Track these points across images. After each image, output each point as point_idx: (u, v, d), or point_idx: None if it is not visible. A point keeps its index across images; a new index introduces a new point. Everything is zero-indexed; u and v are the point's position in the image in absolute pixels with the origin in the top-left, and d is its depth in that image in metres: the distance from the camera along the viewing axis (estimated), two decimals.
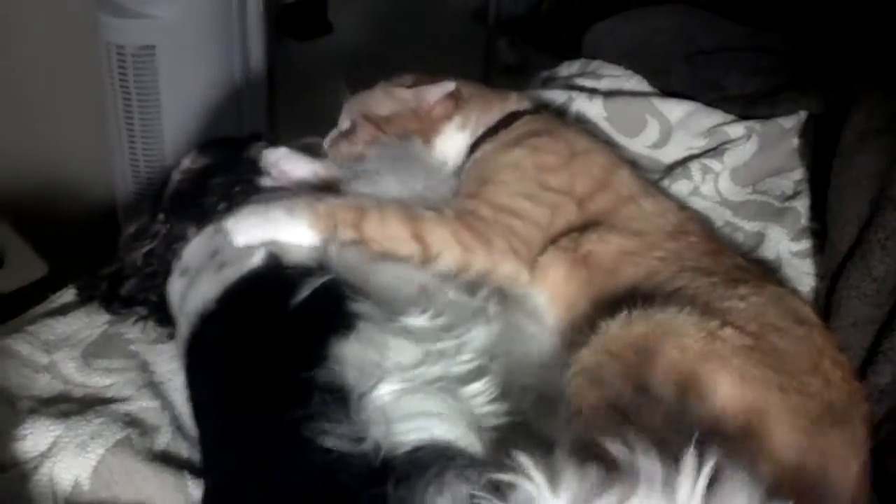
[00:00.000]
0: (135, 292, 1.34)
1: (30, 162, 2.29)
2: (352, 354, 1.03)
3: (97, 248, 1.47)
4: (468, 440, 1.00)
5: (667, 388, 0.99)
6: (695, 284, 1.14)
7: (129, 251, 1.35)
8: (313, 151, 1.44)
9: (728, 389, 1.00)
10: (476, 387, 1.06)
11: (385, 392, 1.01)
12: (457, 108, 1.40)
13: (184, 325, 1.21)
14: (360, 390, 1.00)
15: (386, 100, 1.41)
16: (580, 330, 1.13)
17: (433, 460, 0.95)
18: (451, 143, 1.40)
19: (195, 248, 1.27)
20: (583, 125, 1.62)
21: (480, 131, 1.40)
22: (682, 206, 1.37)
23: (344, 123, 1.44)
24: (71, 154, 2.37)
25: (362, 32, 3.39)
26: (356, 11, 3.57)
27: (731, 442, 0.96)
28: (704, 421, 0.97)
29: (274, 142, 1.44)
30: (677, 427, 0.97)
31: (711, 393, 0.99)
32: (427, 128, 1.39)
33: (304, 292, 1.11)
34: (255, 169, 1.37)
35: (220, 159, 1.40)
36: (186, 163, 1.41)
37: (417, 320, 1.10)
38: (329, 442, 0.95)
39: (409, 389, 1.02)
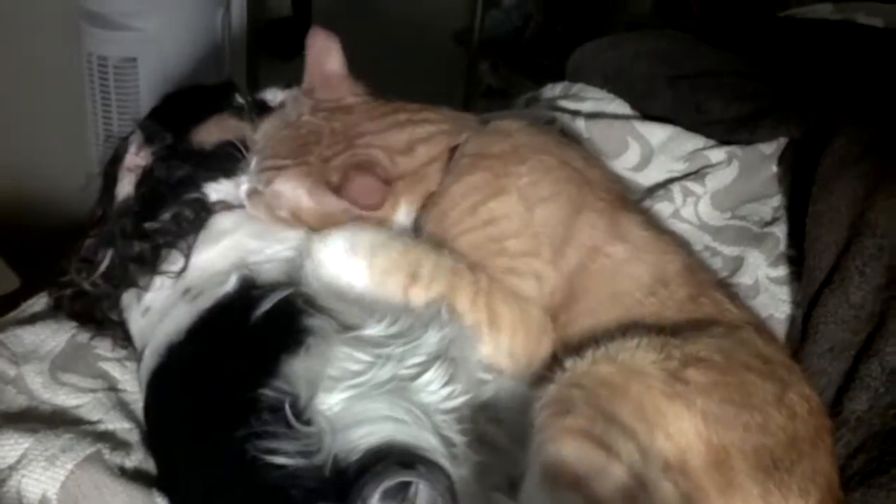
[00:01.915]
0: (89, 311, 1.32)
1: (4, 172, 2.27)
2: (302, 369, 1.03)
3: (60, 265, 1.44)
4: (422, 438, 1.00)
5: (637, 423, 0.99)
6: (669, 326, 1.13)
7: (80, 271, 1.32)
8: None
9: (692, 429, 0.99)
10: (426, 377, 1.05)
11: (334, 401, 1.01)
12: (399, 190, 1.22)
13: (148, 359, 1.19)
14: (304, 403, 1.00)
15: (309, 201, 1.21)
16: (545, 365, 1.13)
17: (384, 462, 0.95)
18: (403, 219, 1.25)
19: (159, 291, 1.24)
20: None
21: (422, 198, 1.24)
22: (655, 228, 1.25)
23: (268, 195, 1.23)
24: (47, 165, 2.36)
25: (345, 52, 3.38)
26: (339, 31, 3.57)
27: (696, 479, 0.97)
28: (672, 457, 0.97)
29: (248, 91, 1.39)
30: (646, 458, 0.97)
31: (677, 432, 0.99)
32: (376, 221, 1.21)
33: (262, 309, 1.11)
34: (208, 164, 1.30)
35: (166, 158, 1.30)
36: (132, 150, 1.32)
37: (374, 330, 1.08)
38: (278, 459, 0.95)
39: (357, 396, 1.01)
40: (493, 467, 1.04)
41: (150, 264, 1.25)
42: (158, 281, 1.24)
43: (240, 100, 1.37)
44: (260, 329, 1.09)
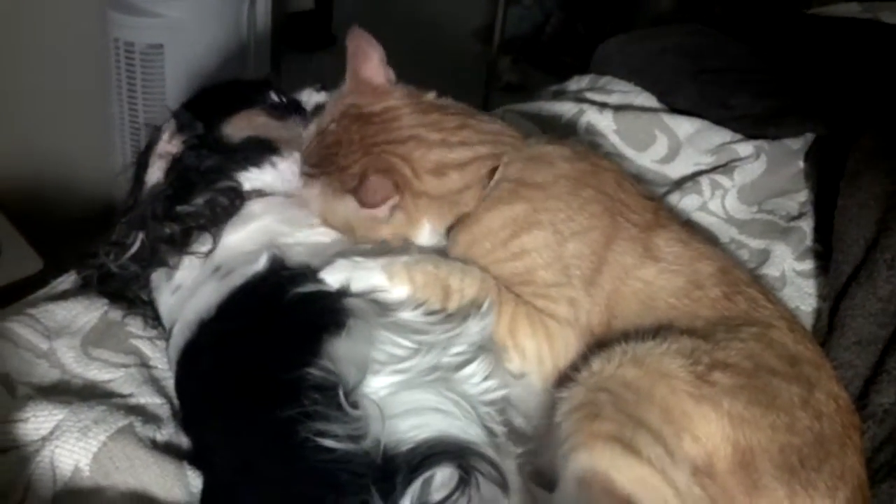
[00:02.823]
0: (120, 290, 1.33)
1: (30, 157, 2.28)
2: (346, 351, 1.03)
3: (89, 245, 1.46)
4: (471, 431, 1.00)
5: (664, 427, 1.00)
6: (699, 328, 1.13)
7: (110, 248, 1.33)
8: None
9: (719, 431, 1.00)
10: (469, 370, 1.06)
11: (380, 386, 1.01)
12: (422, 208, 1.20)
13: (179, 334, 1.20)
14: (353, 386, 1.00)
15: (330, 209, 1.23)
16: (571, 365, 1.13)
17: (437, 456, 0.95)
18: (429, 241, 1.23)
19: (189, 270, 1.25)
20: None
21: (452, 220, 1.22)
22: (688, 237, 1.22)
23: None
24: (72, 150, 2.37)
25: None
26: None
27: (722, 481, 0.98)
28: (699, 460, 0.99)
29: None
30: (675, 461, 0.98)
31: (704, 435, 1.00)
32: (390, 236, 1.22)
33: (299, 290, 1.11)
34: (236, 156, 1.31)
35: (196, 146, 1.31)
36: (165, 138, 1.34)
37: (410, 314, 1.10)
38: (328, 441, 0.95)
39: (404, 383, 1.02)
40: (526, 460, 1.06)
41: (179, 245, 1.26)
42: (188, 261, 1.25)
43: (274, 98, 1.39)
44: (297, 308, 1.09)
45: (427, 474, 0.93)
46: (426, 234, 1.21)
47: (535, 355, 1.14)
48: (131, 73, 2.19)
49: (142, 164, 1.38)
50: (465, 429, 1.00)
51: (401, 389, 1.01)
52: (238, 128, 1.34)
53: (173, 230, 1.27)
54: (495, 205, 1.18)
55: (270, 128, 1.35)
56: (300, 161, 1.26)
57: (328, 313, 1.07)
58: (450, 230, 1.22)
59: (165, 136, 1.35)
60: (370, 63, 1.24)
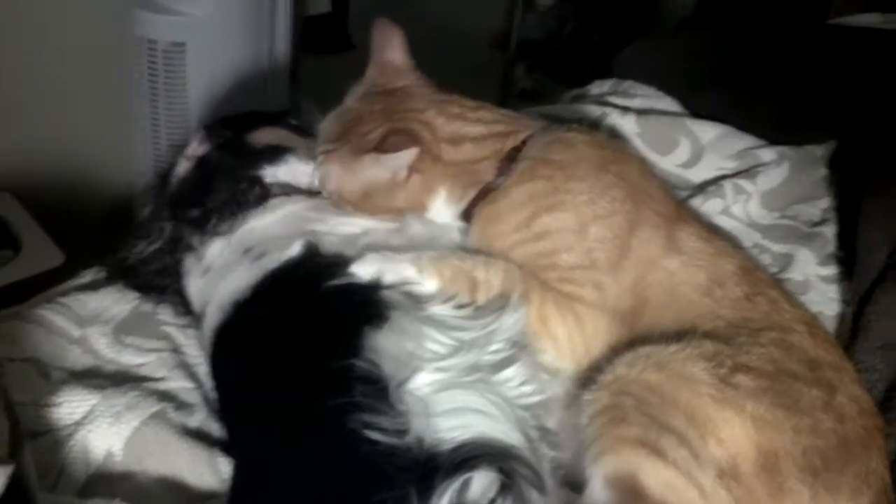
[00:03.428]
0: (148, 282, 1.35)
1: (52, 152, 2.29)
2: (388, 345, 1.03)
3: (113, 242, 1.47)
4: (512, 435, 1.01)
5: (689, 430, 1.00)
6: (721, 332, 1.13)
7: (136, 244, 1.36)
8: None
9: (742, 434, 1.01)
10: (507, 373, 1.07)
11: (423, 383, 1.02)
12: (438, 174, 1.22)
13: (212, 315, 1.21)
14: (397, 381, 1.01)
15: (350, 176, 1.23)
16: (595, 366, 1.14)
17: (479, 458, 0.95)
18: (444, 214, 1.25)
19: (219, 250, 1.27)
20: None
21: (472, 194, 1.23)
22: (711, 235, 1.24)
23: (320, 178, 1.29)
24: (93, 146, 2.37)
25: None
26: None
27: (747, 484, 0.99)
28: (724, 463, 0.99)
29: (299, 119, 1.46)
30: (700, 464, 0.99)
31: (728, 437, 1.00)
32: (405, 205, 1.24)
33: (338, 280, 1.12)
34: (256, 157, 1.36)
35: (222, 147, 1.38)
36: (194, 145, 1.41)
37: (442, 308, 1.11)
38: (373, 434, 0.95)
39: (446, 382, 1.02)
40: (555, 463, 1.06)
41: (203, 227, 1.29)
42: (218, 245, 1.27)
43: (293, 122, 1.47)
44: (337, 298, 1.10)
45: (466, 476, 0.93)
46: (441, 203, 1.23)
47: (566, 341, 1.14)
48: (153, 70, 2.19)
49: (170, 166, 1.43)
50: (506, 432, 1.00)
51: (443, 388, 1.01)
52: (262, 136, 1.41)
53: (198, 213, 1.30)
54: (519, 181, 1.20)
55: (289, 139, 1.41)
56: (318, 142, 1.28)
57: (368, 305, 1.08)
58: (468, 214, 1.23)
59: (195, 143, 1.41)
60: (393, 47, 1.29)
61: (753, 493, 0.99)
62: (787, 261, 1.51)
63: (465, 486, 0.93)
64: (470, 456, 0.95)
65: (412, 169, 1.20)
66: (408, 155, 1.18)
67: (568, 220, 1.16)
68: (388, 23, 1.31)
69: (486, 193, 1.22)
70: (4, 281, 1.92)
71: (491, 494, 0.93)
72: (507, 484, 0.94)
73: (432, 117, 1.23)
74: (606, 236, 1.16)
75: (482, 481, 0.93)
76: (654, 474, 0.97)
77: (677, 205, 1.25)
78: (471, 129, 1.24)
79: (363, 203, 1.24)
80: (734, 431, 1.00)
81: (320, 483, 0.97)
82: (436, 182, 1.22)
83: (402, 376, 1.01)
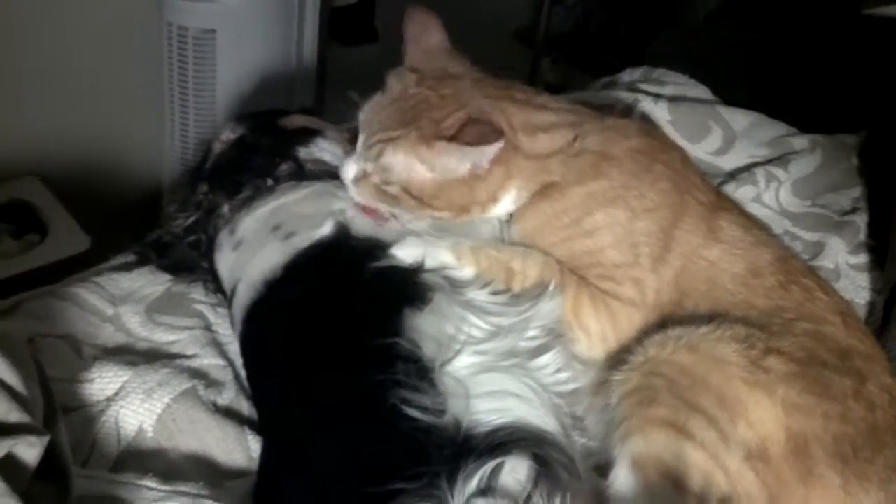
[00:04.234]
0: (181, 260, 1.36)
1: (80, 137, 2.30)
2: (428, 326, 1.04)
3: (140, 227, 1.49)
4: (548, 421, 1.01)
5: (718, 412, 1.01)
6: (754, 320, 1.13)
7: (172, 221, 1.38)
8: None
9: (772, 417, 1.01)
10: (543, 359, 1.07)
11: (462, 365, 1.03)
12: (517, 167, 1.17)
13: (243, 292, 1.21)
14: (439, 362, 1.01)
15: (422, 166, 1.14)
16: (626, 348, 1.14)
17: (515, 442, 0.96)
18: (506, 209, 1.21)
19: (251, 223, 1.27)
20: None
21: (536, 189, 1.19)
22: (749, 223, 1.24)
23: (373, 175, 1.18)
24: (122, 132, 2.38)
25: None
26: (402, 21, 3.61)
27: (776, 466, 0.99)
28: (753, 445, 0.99)
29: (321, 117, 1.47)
30: (728, 445, 0.99)
31: (758, 420, 1.00)
32: (482, 199, 1.18)
33: (376, 262, 1.12)
34: (290, 138, 1.38)
35: (257, 129, 1.41)
36: (227, 133, 1.43)
37: (480, 294, 1.11)
38: (412, 411, 0.96)
39: (485, 365, 1.03)
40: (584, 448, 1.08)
41: (238, 196, 1.30)
42: (250, 218, 1.27)
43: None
44: (376, 279, 1.11)
45: (501, 459, 0.94)
46: (509, 198, 1.18)
47: (599, 335, 1.15)
48: (183, 57, 2.20)
49: (205, 152, 1.47)
50: (542, 417, 1.01)
51: (481, 371, 1.02)
52: (293, 121, 1.44)
53: (234, 184, 1.32)
54: (581, 178, 1.17)
55: (318, 123, 1.44)
56: (368, 129, 1.19)
57: (409, 287, 1.09)
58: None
59: (228, 130, 1.44)
60: (432, 33, 1.23)
61: (782, 477, 0.99)
62: (818, 249, 1.51)
63: (499, 468, 0.93)
64: (506, 440, 0.96)
65: (494, 161, 1.13)
66: (494, 148, 1.11)
67: (619, 216, 1.16)
68: (423, 10, 1.24)
69: (546, 189, 1.18)
70: (31, 265, 1.94)
71: (523, 478, 0.94)
72: (542, 469, 0.95)
73: (505, 105, 1.17)
74: (653, 230, 1.15)
75: (516, 465, 0.94)
76: (679, 454, 0.98)
77: (717, 192, 1.25)
78: (540, 118, 1.19)
79: (434, 197, 1.15)
80: (764, 414, 1.00)
81: (358, 456, 0.98)
82: (514, 175, 1.17)
83: (442, 358, 1.02)
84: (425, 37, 1.23)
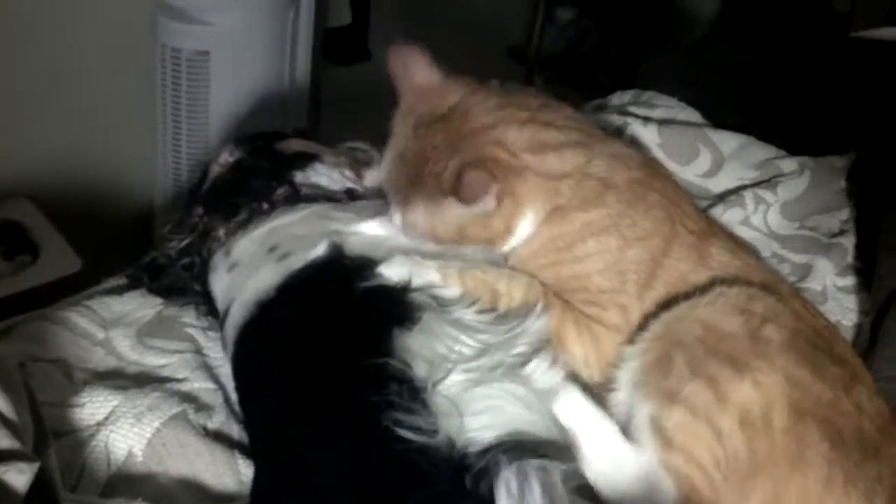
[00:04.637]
0: (174, 283, 1.37)
1: (72, 158, 2.31)
2: (419, 346, 1.05)
3: (131, 249, 1.50)
4: (542, 425, 1.02)
5: (722, 371, 1.03)
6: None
7: (166, 242, 1.39)
8: (357, 156, 1.49)
9: (777, 384, 1.02)
10: (531, 365, 1.08)
11: (451, 383, 1.03)
12: (528, 189, 1.14)
13: (236, 313, 1.21)
14: (430, 382, 1.02)
15: (437, 220, 1.15)
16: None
17: (511, 454, 0.96)
18: (523, 233, 1.18)
19: (247, 245, 1.28)
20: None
21: (547, 212, 1.17)
22: (737, 249, 1.23)
23: (405, 227, 1.20)
24: (114, 153, 2.39)
25: None
26: (395, 42, 3.63)
27: (773, 439, 1.00)
28: (756, 408, 1.01)
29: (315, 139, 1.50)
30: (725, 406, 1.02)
31: (765, 383, 1.02)
32: (500, 231, 1.16)
33: (366, 281, 1.13)
34: (287, 163, 1.40)
35: (255, 153, 1.43)
36: (224, 156, 1.44)
37: (466, 312, 1.12)
38: (405, 433, 0.96)
39: (474, 381, 1.03)
40: None
41: (233, 219, 1.31)
42: (246, 240, 1.28)
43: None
44: (366, 298, 1.11)
45: (497, 473, 0.94)
46: (526, 225, 1.16)
47: (581, 360, 1.15)
48: (177, 79, 2.21)
49: (201, 175, 1.48)
50: (536, 423, 1.02)
51: (472, 386, 1.03)
52: (290, 145, 1.45)
53: (230, 207, 1.33)
54: (583, 205, 1.15)
55: (314, 147, 1.46)
56: (387, 189, 1.21)
57: (397, 305, 1.09)
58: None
59: (225, 153, 1.45)
60: (420, 69, 1.18)
61: (775, 449, 1.00)
62: (805, 271, 1.52)
63: (498, 483, 0.94)
64: (500, 452, 0.96)
65: (499, 196, 1.11)
66: (491, 196, 1.10)
67: (610, 244, 1.15)
68: (403, 45, 1.19)
69: (553, 214, 1.16)
70: (23, 286, 1.94)
71: (523, 488, 0.94)
72: (540, 476, 0.95)
73: (502, 132, 1.13)
74: (643, 258, 1.15)
75: (513, 478, 0.94)
76: (674, 416, 1.01)
77: (707, 219, 1.26)
78: (547, 136, 1.16)
79: (461, 239, 1.17)
80: (770, 380, 1.02)
81: (355, 474, 0.98)
82: (525, 198, 1.14)
83: (433, 378, 1.02)
84: (412, 73, 1.19)
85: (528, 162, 1.13)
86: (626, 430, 1.06)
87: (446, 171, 1.12)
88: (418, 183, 1.14)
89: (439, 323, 1.08)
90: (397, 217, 1.18)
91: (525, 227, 1.16)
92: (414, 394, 1.00)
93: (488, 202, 1.10)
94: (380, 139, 1.46)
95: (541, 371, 1.07)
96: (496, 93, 1.18)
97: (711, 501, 1.00)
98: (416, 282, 1.13)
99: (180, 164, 2.28)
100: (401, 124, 1.19)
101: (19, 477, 0.90)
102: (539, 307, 1.13)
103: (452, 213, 1.13)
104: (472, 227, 1.15)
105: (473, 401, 1.01)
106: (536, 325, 1.11)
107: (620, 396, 1.09)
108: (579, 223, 1.15)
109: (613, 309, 1.15)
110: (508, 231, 1.16)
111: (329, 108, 2.96)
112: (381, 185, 1.22)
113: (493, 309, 1.13)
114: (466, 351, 1.06)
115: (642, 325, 1.13)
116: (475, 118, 1.14)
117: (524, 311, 1.12)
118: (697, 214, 1.23)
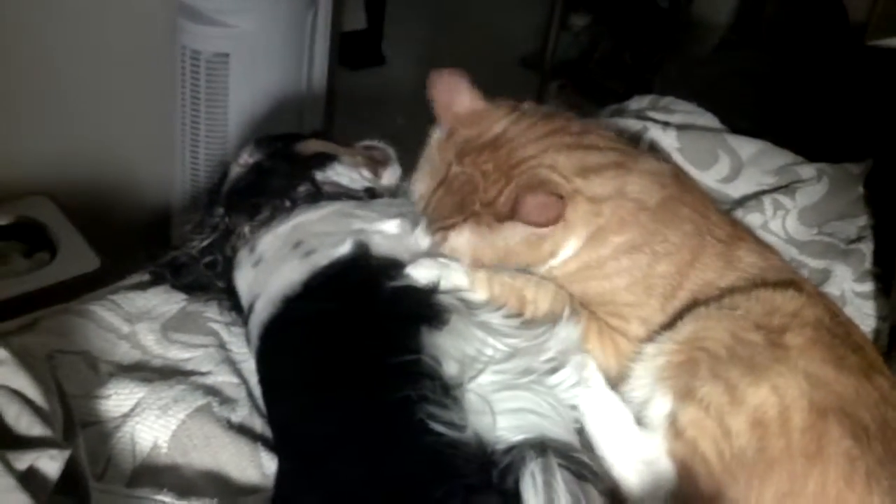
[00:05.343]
0: (196, 280, 1.38)
1: (92, 157, 2.32)
2: (449, 346, 1.06)
3: (149, 248, 1.50)
4: (567, 435, 1.04)
5: (743, 378, 1.04)
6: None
7: (187, 242, 1.40)
8: (374, 154, 1.51)
9: (796, 387, 1.03)
10: (559, 376, 1.09)
11: (483, 383, 1.04)
12: (580, 215, 1.16)
13: (261, 309, 1.22)
14: (464, 379, 1.04)
15: (487, 244, 1.16)
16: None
17: (543, 451, 0.97)
18: (564, 256, 1.19)
19: (271, 241, 1.29)
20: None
21: (589, 233, 1.18)
22: (764, 251, 1.26)
23: (447, 251, 1.20)
24: (133, 153, 2.40)
25: (414, 67, 3.47)
26: (409, 47, 3.66)
27: (790, 438, 1.01)
28: (772, 412, 1.03)
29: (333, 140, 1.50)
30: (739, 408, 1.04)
31: (783, 386, 1.03)
32: (545, 255, 1.18)
33: (395, 281, 1.15)
34: (306, 163, 1.42)
35: (274, 154, 1.44)
36: (244, 157, 1.46)
37: (493, 316, 1.14)
38: (438, 426, 0.97)
39: (504, 383, 1.05)
40: None
41: (257, 217, 1.33)
42: (270, 236, 1.29)
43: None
44: (395, 298, 1.13)
45: (524, 465, 0.95)
46: (569, 249, 1.17)
47: (602, 367, 1.16)
48: (196, 80, 2.23)
49: (222, 175, 1.49)
50: (563, 434, 1.04)
51: (502, 388, 1.04)
52: (309, 146, 1.46)
53: (252, 205, 1.34)
54: (619, 228, 1.17)
55: (333, 148, 1.47)
56: (426, 214, 1.22)
57: (425, 307, 1.11)
58: None
59: (245, 154, 1.46)
60: (462, 96, 1.19)
61: (791, 447, 1.01)
62: (824, 276, 1.52)
63: (524, 477, 0.95)
64: (527, 452, 0.97)
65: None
66: (559, 216, 1.11)
67: (641, 261, 1.17)
68: (446, 71, 1.19)
69: (592, 236, 1.17)
70: (40, 283, 1.95)
71: (549, 482, 0.95)
72: (567, 478, 0.96)
73: (553, 158, 1.15)
74: (670, 271, 1.17)
75: (539, 472, 0.95)
76: (688, 412, 1.04)
77: (733, 223, 1.28)
78: (590, 159, 1.18)
79: (504, 261, 1.18)
80: (788, 383, 1.03)
81: (381, 470, 0.99)
82: (576, 222, 1.16)
83: (466, 376, 1.04)
84: (455, 101, 1.19)
85: (578, 186, 1.15)
86: (637, 417, 1.10)
87: (501, 197, 1.13)
88: (466, 209, 1.16)
89: (467, 325, 1.10)
90: (437, 238, 1.19)
91: (569, 249, 1.17)
92: (446, 390, 1.01)
93: (557, 221, 1.11)
94: (393, 141, 1.50)
95: (567, 384, 1.09)
96: (539, 118, 1.20)
97: (708, 489, 1.03)
98: (444, 284, 1.15)
99: (198, 164, 2.29)
100: (442, 150, 1.19)
101: (51, 464, 0.91)
102: (567, 313, 1.15)
103: (505, 237, 1.15)
104: (520, 250, 1.16)
105: (503, 402, 1.03)
106: (564, 332, 1.13)
107: (636, 386, 1.12)
108: (613, 245, 1.17)
109: (636, 321, 1.17)
110: (553, 254, 1.17)
111: (343, 111, 2.98)
112: (419, 210, 1.22)
113: (519, 314, 1.15)
114: (495, 354, 1.08)
115: (667, 325, 1.15)
116: (525, 147, 1.16)
117: (553, 318, 1.15)
118: (724, 220, 1.25)
